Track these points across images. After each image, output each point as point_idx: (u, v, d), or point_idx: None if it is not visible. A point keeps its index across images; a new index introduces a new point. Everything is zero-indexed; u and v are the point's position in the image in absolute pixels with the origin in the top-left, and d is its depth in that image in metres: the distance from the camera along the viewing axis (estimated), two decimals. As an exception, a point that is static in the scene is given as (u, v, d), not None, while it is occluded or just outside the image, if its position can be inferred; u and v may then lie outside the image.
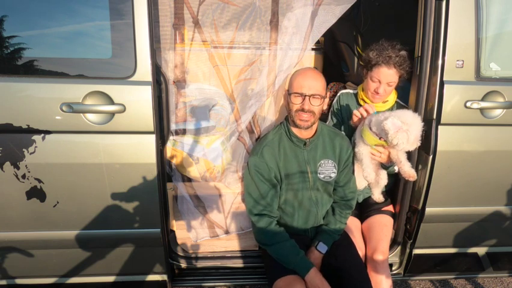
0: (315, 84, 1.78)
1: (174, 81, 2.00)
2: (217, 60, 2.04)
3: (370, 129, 1.83)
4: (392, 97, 2.11)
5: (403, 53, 1.96)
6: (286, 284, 1.73)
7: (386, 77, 1.97)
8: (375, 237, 2.01)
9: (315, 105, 1.78)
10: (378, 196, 2.14)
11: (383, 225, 2.05)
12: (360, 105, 2.14)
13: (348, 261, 1.85)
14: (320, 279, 1.74)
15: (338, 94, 2.28)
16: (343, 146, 1.95)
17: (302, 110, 1.78)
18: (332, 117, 2.27)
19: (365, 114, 1.94)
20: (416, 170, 1.97)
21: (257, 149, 1.90)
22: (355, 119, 1.99)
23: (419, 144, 1.77)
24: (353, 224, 2.11)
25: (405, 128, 1.70)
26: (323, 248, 1.90)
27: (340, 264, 1.84)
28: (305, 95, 1.77)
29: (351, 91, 2.26)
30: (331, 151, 1.93)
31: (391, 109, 2.11)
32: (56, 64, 1.65)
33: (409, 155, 1.97)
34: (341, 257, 1.87)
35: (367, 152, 1.93)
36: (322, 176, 1.91)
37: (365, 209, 2.18)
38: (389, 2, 3.10)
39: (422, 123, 1.77)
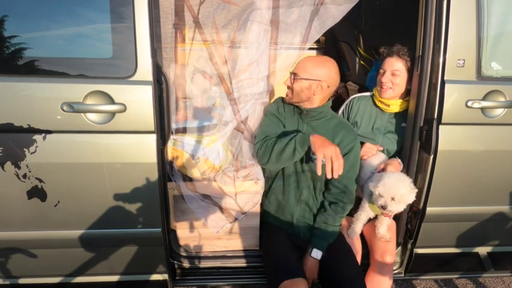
0: (302, 65, 1.92)
1: (175, 81, 2.00)
2: (217, 60, 2.04)
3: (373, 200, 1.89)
4: (399, 102, 2.12)
5: (407, 46, 2.05)
6: (292, 284, 1.72)
7: (390, 65, 2.06)
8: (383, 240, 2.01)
9: (294, 83, 1.91)
10: (383, 233, 2.01)
11: (388, 229, 2.05)
12: (377, 107, 2.18)
13: (341, 261, 1.84)
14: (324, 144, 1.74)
15: (350, 99, 2.29)
16: (344, 138, 1.92)
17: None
18: None
19: (372, 152, 2.08)
20: (417, 170, 1.98)
21: (276, 99, 2.10)
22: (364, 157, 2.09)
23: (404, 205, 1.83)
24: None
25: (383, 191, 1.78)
26: (317, 254, 1.88)
27: (332, 263, 1.84)
28: (290, 72, 1.95)
29: (365, 94, 2.28)
30: (330, 139, 1.88)
31: (401, 112, 2.14)
32: (57, 64, 1.65)
33: (410, 155, 1.97)
34: (333, 256, 1.87)
35: (367, 214, 1.99)
36: (315, 157, 1.87)
37: None
38: (389, 2, 3.10)
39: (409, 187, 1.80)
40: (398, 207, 1.79)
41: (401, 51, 2.04)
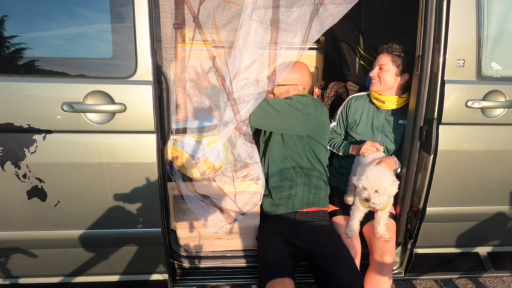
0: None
1: (175, 81, 2.00)
2: (217, 60, 2.04)
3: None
4: (395, 99, 2.15)
5: (397, 43, 2.12)
6: (276, 284, 1.75)
7: (378, 60, 2.16)
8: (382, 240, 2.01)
9: (275, 89, 2.16)
10: (381, 232, 1.99)
11: (387, 228, 2.05)
12: (373, 104, 2.23)
13: (338, 264, 1.85)
14: None
15: (347, 99, 2.35)
16: None
17: None
18: (335, 118, 2.35)
19: (372, 149, 2.10)
20: (417, 170, 1.98)
21: None
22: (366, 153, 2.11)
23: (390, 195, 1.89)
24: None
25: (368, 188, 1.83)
26: None
27: (328, 265, 1.84)
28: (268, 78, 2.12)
29: (362, 93, 2.34)
30: None
31: (399, 109, 2.17)
32: (57, 64, 1.65)
33: (410, 155, 1.97)
34: (329, 258, 1.87)
35: (359, 210, 2.02)
36: None
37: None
38: (389, 2, 3.10)
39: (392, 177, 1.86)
40: (381, 199, 1.84)
41: (390, 48, 2.12)
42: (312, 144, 2.13)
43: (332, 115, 2.36)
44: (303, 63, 2.22)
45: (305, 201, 2.12)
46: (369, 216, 2.07)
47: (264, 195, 2.16)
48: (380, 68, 2.13)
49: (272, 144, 2.15)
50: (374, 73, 2.16)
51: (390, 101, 2.14)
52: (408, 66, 2.07)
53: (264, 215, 2.17)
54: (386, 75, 2.11)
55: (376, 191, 1.81)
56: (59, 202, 1.76)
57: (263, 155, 2.21)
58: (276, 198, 2.12)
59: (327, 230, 2.06)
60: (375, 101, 2.20)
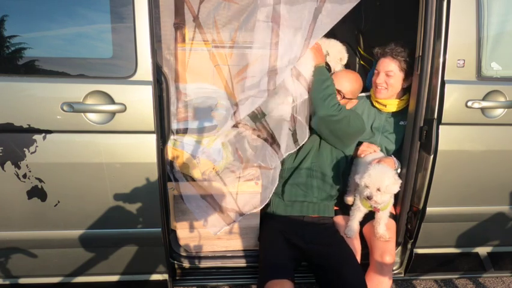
0: (353, 87, 2.12)
1: (175, 81, 2.00)
2: (218, 60, 2.03)
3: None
4: (396, 102, 2.14)
5: (401, 46, 2.06)
6: (275, 285, 1.74)
7: (383, 66, 2.09)
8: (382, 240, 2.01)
9: (346, 103, 2.09)
10: (381, 232, 1.99)
11: (387, 228, 2.05)
12: (374, 107, 2.23)
13: (342, 263, 1.85)
14: None
15: None
16: None
17: None
18: None
19: (369, 150, 2.10)
20: (417, 170, 1.98)
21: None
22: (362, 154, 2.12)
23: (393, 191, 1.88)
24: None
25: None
26: None
27: (332, 265, 1.84)
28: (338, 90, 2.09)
29: (363, 94, 2.32)
30: None
31: (400, 112, 2.17)
32: (57, 64, 1.65)
33: (410, 155, 1.97)
34: (333, 258, 1.87)
35: (359, 210, 2.02)
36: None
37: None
38: (389, 2, 3.09)
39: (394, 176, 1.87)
40: (383, 197, 1.84)
41: (394, 52, 2.06)
42: (341, 157, 2.14)
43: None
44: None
45: (316, 209, 2.14)
46: (369, 216, 2.07)
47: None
48: (387, 75, 2.09)
49: (306, 149, 2.13)
50: (380, 80, 2.11)
51: (392, 105, 2.14)
52: (412, 69, 2.05)
53: (267, 213, 2.17)
54: (393, 81, 2.09)
55: (378, 189, 1.81)
56: (59, 202, 1.76)
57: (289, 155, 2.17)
58: (288, 200, 2.12)
59: (331, 232, 2.07)
60: (377, 105, 2.19)
